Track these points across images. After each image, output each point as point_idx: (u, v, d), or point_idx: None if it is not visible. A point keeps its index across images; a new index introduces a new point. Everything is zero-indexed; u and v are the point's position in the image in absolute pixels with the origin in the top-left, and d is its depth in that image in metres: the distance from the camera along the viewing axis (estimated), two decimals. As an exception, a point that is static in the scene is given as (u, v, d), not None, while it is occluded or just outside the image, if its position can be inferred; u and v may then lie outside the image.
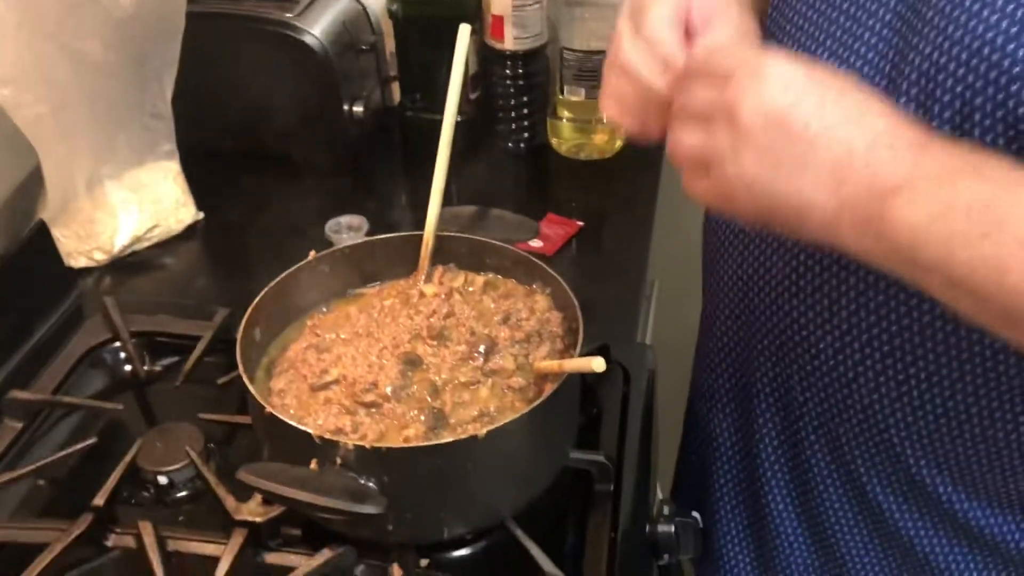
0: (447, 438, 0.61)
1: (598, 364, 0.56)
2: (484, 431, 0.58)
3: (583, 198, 1.12)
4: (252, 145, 1.16)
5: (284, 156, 1.16)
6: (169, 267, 1.03)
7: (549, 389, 0.63)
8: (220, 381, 0.81)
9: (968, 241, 0.41)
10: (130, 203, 1.01)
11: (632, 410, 0.78)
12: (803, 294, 0.61)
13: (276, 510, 0.66)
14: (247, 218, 1.10)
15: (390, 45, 1.18)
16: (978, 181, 0.42)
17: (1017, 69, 0.46)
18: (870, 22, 0.55)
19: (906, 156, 0.43)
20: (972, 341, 0.55)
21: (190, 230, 1.06)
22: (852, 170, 0.44)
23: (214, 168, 1.12)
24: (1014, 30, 0.46)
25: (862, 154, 0.43)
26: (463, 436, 0.59)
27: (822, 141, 0.44)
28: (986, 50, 0.47)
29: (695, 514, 0.76)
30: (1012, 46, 0.46)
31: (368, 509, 0.55)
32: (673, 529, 0.73)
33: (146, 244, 1.03)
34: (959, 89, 0.49)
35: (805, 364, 0.64)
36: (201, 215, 1.07)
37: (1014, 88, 0.46)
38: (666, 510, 0.75)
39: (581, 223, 1.04)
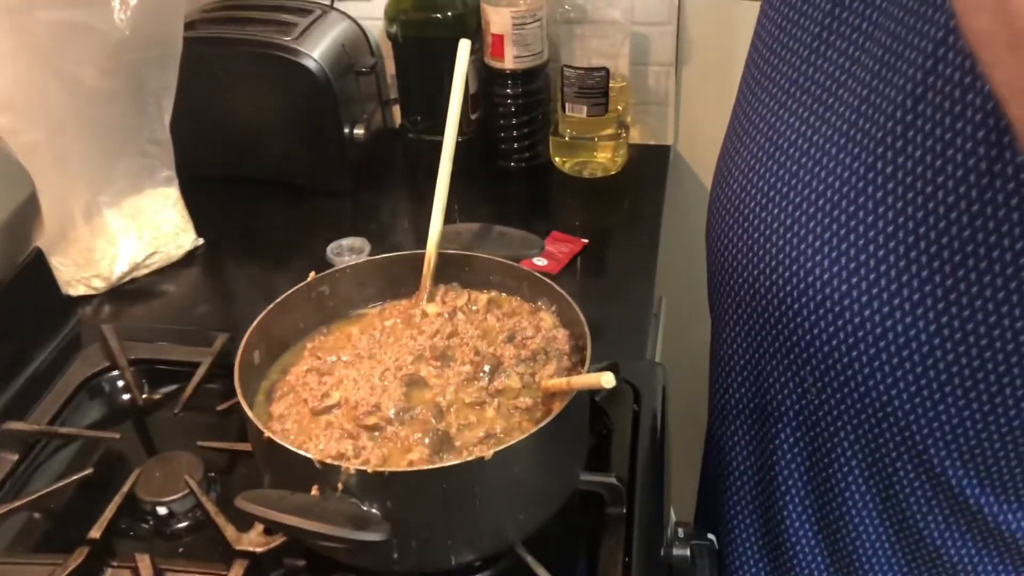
0: (452, 461, 0.59)
1: (608, 379, 0.54)
2: (491, 452, 0.56)
3: (587, 216, 1.11)
4: (252, 170, 1.16)
5: (285, 180, 1.15)
6: (169, 294, 1.02)
7: (557, 408, 0.61)
8: (220, 408, 0.79)
9: None
10: (129, 230, 1.00)
11: (643, 429, 0.76)
12: (829, 303, 0.59)
13: (278, 540, 0.64)
14: (248, 243, 1.09)
15: (391, 67, 1.18)
16: None
17: None
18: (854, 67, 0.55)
19: None
20: (1008, 353, 0.53)
21: (190, 256, 1.06)
22: None
23: (214, 193, 1.12)
24: None
25: None
26: (469, 458, 0.57)
27: None
28: None
29: (711, 536, 0.74)
30: None
31: (371, 536, 0.53)
32: (688, 552, 0.71)
33: (145, 271, 1.02)
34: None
35: (831, 375, 0.61)
36: (201, 241, 1.06)
37: None
38: (681, 532, 0.73)
39: (586, 241, 1.03)
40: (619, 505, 0.68)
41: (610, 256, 1.05)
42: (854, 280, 0.57)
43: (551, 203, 1.18)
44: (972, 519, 0.61)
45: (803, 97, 0.60)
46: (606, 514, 0.68)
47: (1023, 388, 0.54)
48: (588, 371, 0.63)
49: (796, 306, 0.61)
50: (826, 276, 0.58)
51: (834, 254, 0.57)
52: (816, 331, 0.60)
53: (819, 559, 0.69)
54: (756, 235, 0.63)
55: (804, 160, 0.59)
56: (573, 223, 1.07)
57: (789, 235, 0.60)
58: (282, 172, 1.15)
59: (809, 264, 0.59)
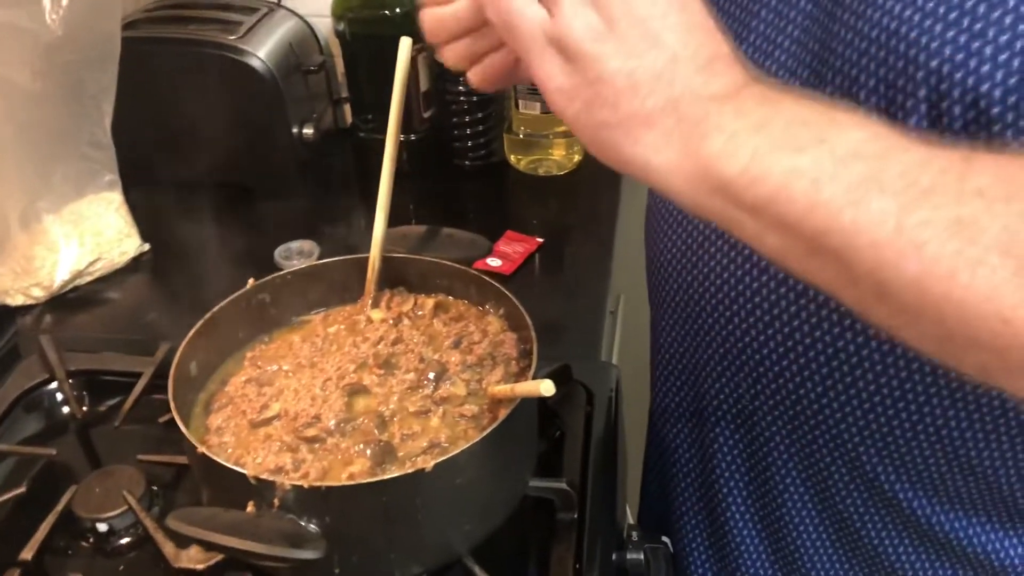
0: (394, 473, 0.57)
1: (547, 388, 0.52)
2: (432, 464, 0.54)
3: (543, 215, 1.09)
4: (199, 172, 1.12)
5: (233, 182, 1.12)
6: (114, 302, 0.99)
7: (503, 415, 0.59)
8: (161, 420, 0.77)
9: (783, 153, 0.39)
10: (70, 237, 0.97)
11: (596, 432, 0.74)
12: (759, 311, 0.58)
13: (217, 556, 0.62)
14: (195, 248, 1.06)
15: (340, 65, 1.15)
16: (801, 103, 0.41)
17: (935, 44, 0.44)
18: (791, 13, 0.54)
19: (738, 74, 0.42)
20: (935, 363, 0.52)
21: (135, 262, 1.03)
22: (690, 70, 0.42)
23: (160, 198, 1.08)
24: (930, 5, 0.45)
25: (703, 57, 0.42)
26: (410, 470, 0.55)
27: (676, 32, 0.42)
28: (903, 29, 0.46)
29: (665, 539, 0.72)
30: (929, 22, 0.45)
31: (307, 555, 0.51)
32: (643, 556, 0.70)
33: (88, 279, 0.99)
34: (882, 72, 0.48)
35: (764, 382, 0.61)
36: (147, 246, 1.04)
37: (934, 64, 0.45)
38: (635, 536, 0.71)
39: (541, 240, 1.01)
40: (570, 511, 0.67)
41: (566, 255, 1.04)
42: (782, 290, 0.57)
43: (506, 202, 1.16)
44: (907, 521, 0.61)
45: None
46: (557, 520, 0.67)
47: (949, 397, 0.54)
48: (535, 376, 0.61)
49: (728, 313, 0.60)
50: (755, 285, 0.57)
51: (763, 263, 0.57)
52: (747, 339, 0.59)
53: (764, 558, 0.68)
54: (690, 241, 0.62)
55: None
56: (529, 222, 1.05)
57: (720, 242, 0.59)
58: (230, 174, 1.13)
59: (739, 272, 0.58)
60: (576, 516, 0.67)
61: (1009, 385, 0.38)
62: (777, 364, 0.58)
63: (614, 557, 0.68)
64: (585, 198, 1.12)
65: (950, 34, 0.44)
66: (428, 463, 0.55)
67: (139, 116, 1.02)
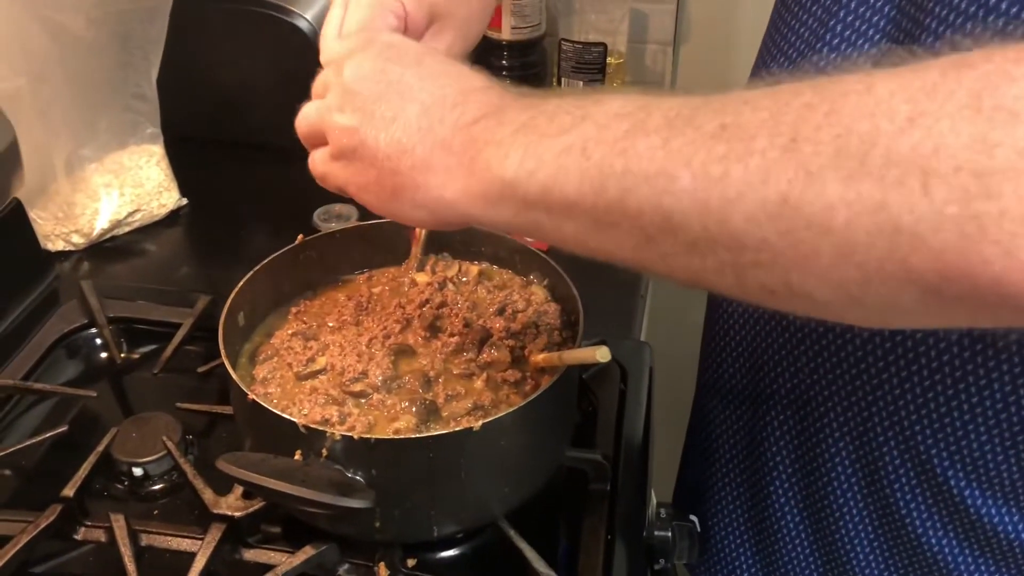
0: (439, 431, 0.58)
1: (603, 353, 0.53)
2: (479, 424, 0.55)
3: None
4: (240, 130, 1.13)
5: (273, 143, 1.12)
6: (151, 253, 0.99)
7: (547, 382, 0.60)
8: (200, 370, 0.78)
9: (551, 139, 0.41)
10: (111, 186, 0.97)
11: (630, 408, 0.75)
12: None
13: (256, 504, 0.63)
14: (233, 205, 1.07)
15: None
16: (564, 98, 0.43)
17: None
18: (874, 18, 0.55)
19: (494, 97, 0.46)
20: (997, 336, 0.53)
21: (173, 216, 1.03)
22: (443, 109, 0.46)
23: (200, 153, 1.09)
24: (1013, 10, 0.45)
25: (451, 97, 0.46)
26: (457, 428, 0.56)
27: (412, 92, 0.47)
28: (991, 17, 0.46)
29: (693, 518, 0.73)
30: (1016, 8, 0.45)
31: (355, 503, 0.52)
32: (670, 533, 0.71)
33: (127, 229, 1.00)
34: None
35: (823, 365, 0.61)
36: (185, 201, 1.04)
37: None
38: (663, 513, 0.72)
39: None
40: (603, 482, 0.67)
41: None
42: None
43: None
44: (955, 511, 0.61)
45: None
46: (590, 491, 0.68)
47: (1011, 383, 0.54)
48: (579, 346, 0.62)
49: None
50: None
51: None
52: (825, 338, 0.60)
53: (804, 542, 0.69)
54: None
55: None
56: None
57: None
58: (271, 134, 1.12)
59: None
60: (608, 488, 0.68)
61: (806, 294, 0.36)
62: (840, 337, 0.59)
63: (644, 532, 0.68)
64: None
65: None
66: (473, 423, 0.55)
67: (185, 71, 1.02)
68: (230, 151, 1.11)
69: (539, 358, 0.62)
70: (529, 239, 0.96)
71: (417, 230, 0.72)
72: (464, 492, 0.58)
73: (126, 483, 0.70)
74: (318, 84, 0.53)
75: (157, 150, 1.02)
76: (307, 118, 0.53)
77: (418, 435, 0.57)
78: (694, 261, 0.38)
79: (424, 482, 0.57)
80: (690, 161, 0.36)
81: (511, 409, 0.57)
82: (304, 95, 1.12)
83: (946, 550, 0.62)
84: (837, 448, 0.64)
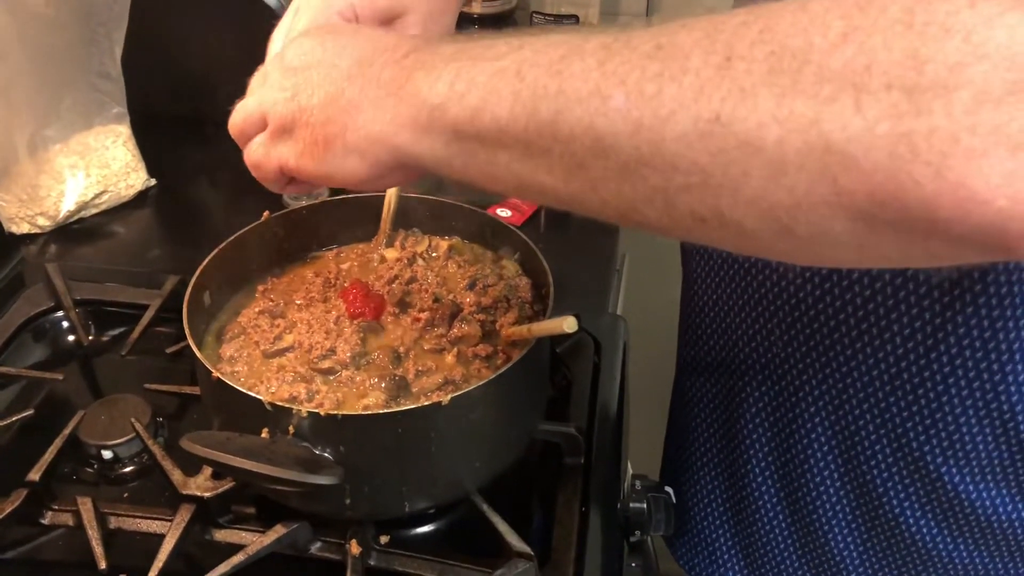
0: (404, 406, 0.57)
1: (570, 323, 0.52)
2: (448, 397, 0.54)
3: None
4: (208, 109, 1.08)
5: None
6: (119, 235, 0.98)
7: (517, 356, 0.59)
8: (169, 351, 0.77)
9: (484, 62, 0.40)
10: (77, 168, 0.96)
11: (604, 382, 0.75)
12: (791, 273, 0.58)
13: (226, 485, 0.62)
14: (201, 185, 1.06)
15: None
16: (498, 35, 0.42)
17: None
18: None
19: (425, 38, 0.46)
20: (980, 317, 0.52)
21: (141, 197, 1.02)
22: (375, 53, 0.45)
23: (167, 133, 1.07)
24: None
25: (384, 44, 0.46)
26: (424, 404, 0.55)
27: (347, 51, 0.47)
28: None
29: (668, 489, 0.73)
30: None
31: (323, 480, 0.51)
32: (645, 505, 0.70)
33: (94, 211, 0.98)
34: None
35: (796, 338, 0.61)
36: (153, 181, 1.02)
37: None
38: (638, 485, 0.72)
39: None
40: (577, 455, 0.67)
41: (572, 214, 1.03)
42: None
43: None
44: (932, 489, 0.61)
45: None
46: (564, 464, 0.67)
47: (982, 349, 0.54)
48: (537, 322, 0.61)
49: (763, 260, 0.60)
50: None
51: None
52: (784, 282, 0.59)
53: (781, 517, 0.69)
54: None
55: None
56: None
57: None
58: (239, 113, 1.11)
59: None
60: (583, 461, 0.67)
61: (727, 223, 0.35)
62: (812, 308, 0.58)
63: (619, 505, 0.68)
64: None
65: None
66: (443, 398, 0.55)
67: (150, 49, 1.00)
68: (198, 130, 1.09)
69: (509, 331, 0.62)
70: (501, 212, 0.95)
71: (386, 203, 0.71)
72: (435, 467, 0.58)
73: (95, 466, 0.69)
74: (255, 79, 0.53)
75: (123, 130, 1.00)
76: (244, 109, 0.52)
77: (387, 410, 0.56)
78: (624, 188, 0.37)
79: (394, 458, 0.56)
80: (624, 80, 0.35)
81: (481, 383, 0.56)
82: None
83: (924, 530, 0.62)
84: (813, 424, 0.63)
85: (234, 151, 1.11)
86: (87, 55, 0.95)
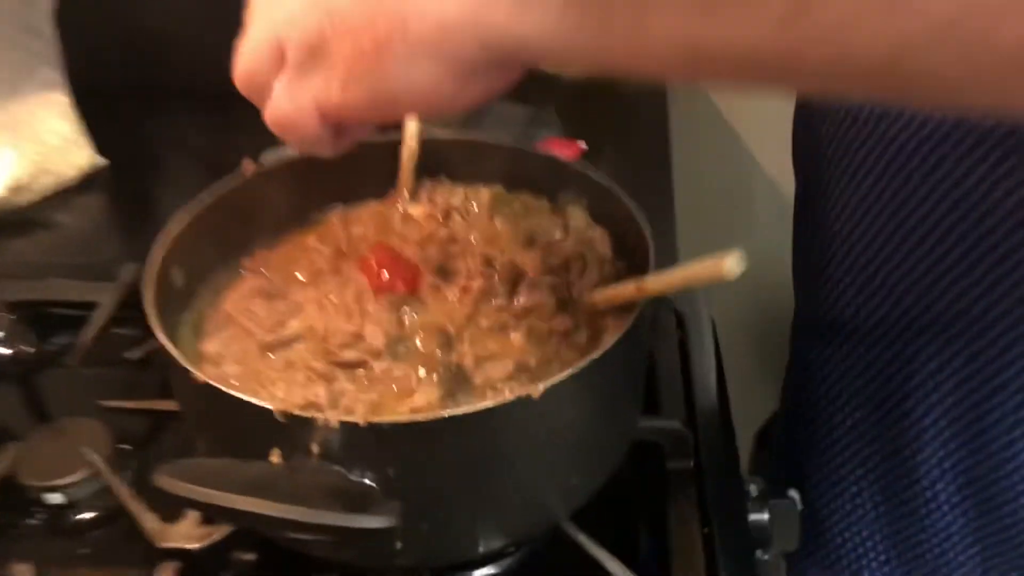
0: (475, 405, 0.40)
1: (732, 264, 0.35)
2: (541, 387, 0.38)
3: (584, 120, 0.93)
4: (164, 77, 0.95)
5: (203, 89, 0.95)
6: (63, 225, 0.83)
7: (613, 330, 0.43)
8: (131, 355, 0.60)
9: None
10: (4, 144, 0.79)
11: (696, 363, 0.59)
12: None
13: (220, 531, 0.46)
14: (160, 164, 0.91)
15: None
16: None
17: None
18: None
19: None
20: None
21: (89, 180, 0.86)
22: None
23: (117, 105, 0.92)
24: None
25: None
26: (505, 400, 0.39)
27: None
28: None
29: (792, 493, 0.57)
30: None
31: (375, 523, 0.34)
32: (767, 516, 0.54)
33: (31, 197, 0.82)
34: None
35: (1003, 287, 0.45)
36: (103, 161, 0.86)
37: None
38: (754, 490, 0.56)
39: (584, 147, 0.85)
40: (686, 458, 0.51)
41: (618, 161, 0.88)
42: None
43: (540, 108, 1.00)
44: None
45: None
46: (669, 470, 0.51)
47: None
48: (652, 274, 0.45)
49: None
50: None
51: None
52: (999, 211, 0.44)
53: (962, 522, 0.53)
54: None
55: None
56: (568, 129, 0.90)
57: None
58: (199, 80, 0.95)
59: None
60: (692, 465, 0.51)
61: None
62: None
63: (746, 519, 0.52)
64: (626, 106, 0.96)
65: None
66: (530, 389, 0.38)
67: (94, 9, 0.87)
68: (152, 102, 0.94)
69: (607, 294, 0.45)
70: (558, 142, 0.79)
71: (405, 145, 0.55)
72: (520, 489, 0.41)
73: (38, 516, 0.53)
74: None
75: (61, 99, 0.84)
76: (250, 45, 0.38)
77: (450, 412, 0.39)
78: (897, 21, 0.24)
79: (463, 480, 0.39)
80: None
81: (576, 368, 0.40)
82: (231, 31, 0.92)
83: None
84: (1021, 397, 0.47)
85: (197, 126, 0.96)
86: (10, 6, 0.79)
